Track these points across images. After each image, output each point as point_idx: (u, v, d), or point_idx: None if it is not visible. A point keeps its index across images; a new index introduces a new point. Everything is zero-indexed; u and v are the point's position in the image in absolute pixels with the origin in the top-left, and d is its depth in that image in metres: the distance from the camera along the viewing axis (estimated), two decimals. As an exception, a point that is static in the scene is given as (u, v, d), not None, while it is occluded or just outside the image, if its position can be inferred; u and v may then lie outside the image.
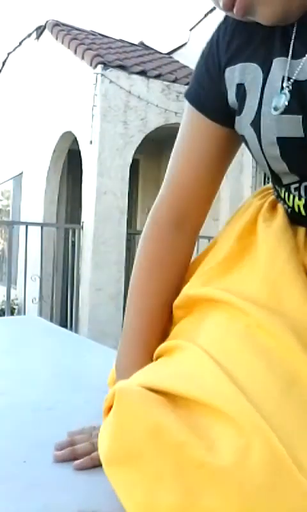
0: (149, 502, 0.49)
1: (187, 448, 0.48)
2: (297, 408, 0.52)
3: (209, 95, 0.75)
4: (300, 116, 0.63)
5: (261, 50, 0.67)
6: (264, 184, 5.28)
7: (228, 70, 0.71)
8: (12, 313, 6.11)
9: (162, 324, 0.79)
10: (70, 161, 6.30)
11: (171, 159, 0.80)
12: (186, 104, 0.78)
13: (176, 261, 0.80)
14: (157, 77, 5.20)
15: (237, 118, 0.72)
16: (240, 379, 0.54)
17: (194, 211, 0.80)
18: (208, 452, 0.48)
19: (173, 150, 0.81)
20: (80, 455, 0.65)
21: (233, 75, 0.71)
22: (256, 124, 0.68)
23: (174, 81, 5.27)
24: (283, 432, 0.48)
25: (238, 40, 0.70)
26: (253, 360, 0.58)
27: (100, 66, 4.87)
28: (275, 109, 0.64)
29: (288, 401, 0.52)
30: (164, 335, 0.78)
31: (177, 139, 0.80)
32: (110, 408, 0.56)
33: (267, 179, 5.72)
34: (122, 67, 5.02)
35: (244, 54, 0.70)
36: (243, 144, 0.76)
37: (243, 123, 0.70)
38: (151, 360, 0.73)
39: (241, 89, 0.70)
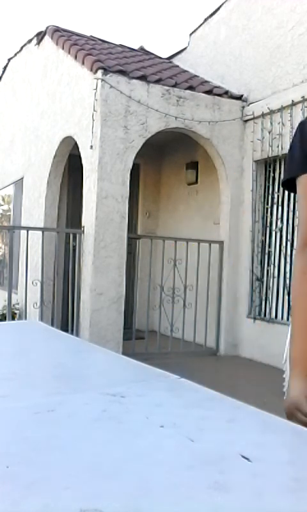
0: None
1: None
2: None
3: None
4: None
5: None
6: (264, 187, 5.29)
7: None
8: (13, 318, 6.12)
9: None
10: (71, 166, 6.32)
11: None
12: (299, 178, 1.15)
13: None
14: (157, 81, 5.22)
15: None
16: None
17: None
18: None
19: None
20: None
21: None
22: None
23: (174, 86, 5.29)
24: None
25: None
26: None
27: (100, 72, 4.90)
28: None
29: None
30: None
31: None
32: None
33: (267, 183, 5.72)
34: (122, 72, 5.04)
35: None
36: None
37: None
38: None
39: None
